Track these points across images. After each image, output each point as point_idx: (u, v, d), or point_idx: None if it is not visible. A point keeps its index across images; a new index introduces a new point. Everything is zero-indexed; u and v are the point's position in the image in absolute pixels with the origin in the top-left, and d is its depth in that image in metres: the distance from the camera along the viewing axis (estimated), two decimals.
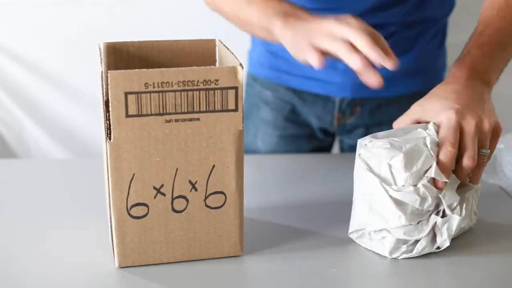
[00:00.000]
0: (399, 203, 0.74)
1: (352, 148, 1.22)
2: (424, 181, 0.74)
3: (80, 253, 0.80)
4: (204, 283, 0.73)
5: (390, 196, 0.74)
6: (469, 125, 0.77)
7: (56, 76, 1.62)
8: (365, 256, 0.79)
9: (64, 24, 1.58)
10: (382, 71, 1.13)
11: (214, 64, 0.84)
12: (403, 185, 0.74)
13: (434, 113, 0.79)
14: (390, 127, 1.21)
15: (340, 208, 0.90)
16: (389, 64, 0.76)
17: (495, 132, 0.81)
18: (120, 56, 0.82)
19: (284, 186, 1.00)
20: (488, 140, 0.79)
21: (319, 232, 0.85)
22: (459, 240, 0.82)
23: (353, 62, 0.77)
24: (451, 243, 0.77)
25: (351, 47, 0.77)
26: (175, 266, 0.76)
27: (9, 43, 1.59)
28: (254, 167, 1.06)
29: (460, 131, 0.76)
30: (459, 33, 1.56)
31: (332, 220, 0.88)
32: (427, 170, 0.74)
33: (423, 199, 0.74)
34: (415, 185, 0.74)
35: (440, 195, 0.75)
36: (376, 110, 1.18)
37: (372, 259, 0.78)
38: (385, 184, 0.74)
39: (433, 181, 0.74)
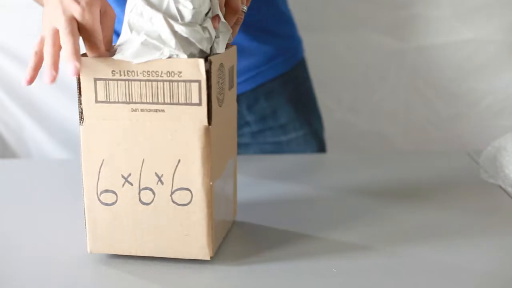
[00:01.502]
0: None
1: (240, 148, 1.22)
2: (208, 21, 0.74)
3: (78, 246, 0.80)
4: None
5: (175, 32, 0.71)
6: None
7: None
8: (356, 258, 0.79)
9: None
10: (245, 62, 1.13)
11: None
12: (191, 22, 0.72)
13: None
14: (274, 121, 1.23)
15: (332, 209, 0.90)
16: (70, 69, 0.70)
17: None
18: None
19: (274, 187, 1.00)
20: None
21: (309, 236, 0.84)
22: (458, 240, 0.82)
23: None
24: (449, 245, 0.76)
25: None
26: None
27: (9, 43, 1.59)
28: (246, 168, 1.06)
29: None
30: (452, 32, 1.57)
31: (324, 222, 0.88)
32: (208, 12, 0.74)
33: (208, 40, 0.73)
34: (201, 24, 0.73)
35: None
36: (254, 104, 1.18)
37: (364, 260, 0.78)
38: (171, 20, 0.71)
39: (212, 20, 0.74)
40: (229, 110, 0.81)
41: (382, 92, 1.63)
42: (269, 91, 1.18)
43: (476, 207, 0.94)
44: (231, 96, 0.81)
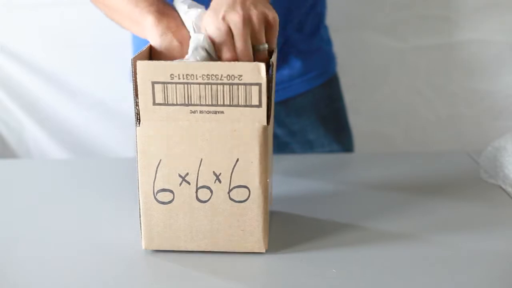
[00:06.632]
0: None
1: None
2: None
3: (81, 243, 0.80)
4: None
5: None
6: (235, 25, 0.75)
7: (56, 76, 1.61)
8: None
9: (64, 24, 1.58)
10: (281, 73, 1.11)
11: None
12: None
13: (207, 25, 0.78)
14: (302, 137, 1.20)
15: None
16: None
17: (269, 24, 0.78)
18: None
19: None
20: (261, 34, 0.77)
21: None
22: (458, 241, 0.82)
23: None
24: (450, 245, 0.76)
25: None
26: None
27: (9, 43, 1.59)
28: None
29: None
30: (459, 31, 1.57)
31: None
32: None
33: None
34: None
35: None
36: (285, 119, 1.18)
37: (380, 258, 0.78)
38: None
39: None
40: (272, 106, 0.82)
41: (382, 92, 1.63)
42: (300, 107, 1.17)
43: (476, 207, 0.93)
44: (273, 92, 0.83)
